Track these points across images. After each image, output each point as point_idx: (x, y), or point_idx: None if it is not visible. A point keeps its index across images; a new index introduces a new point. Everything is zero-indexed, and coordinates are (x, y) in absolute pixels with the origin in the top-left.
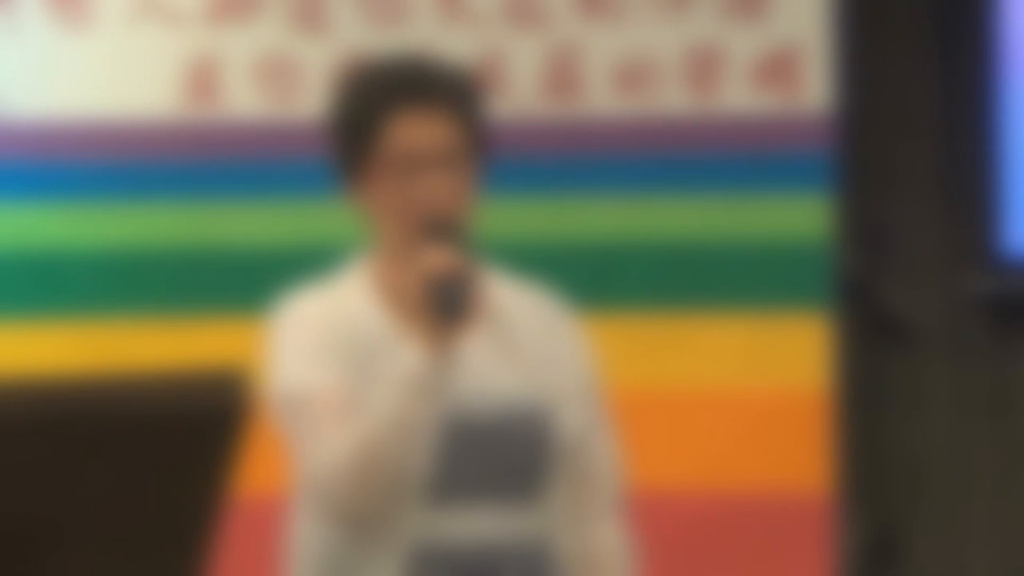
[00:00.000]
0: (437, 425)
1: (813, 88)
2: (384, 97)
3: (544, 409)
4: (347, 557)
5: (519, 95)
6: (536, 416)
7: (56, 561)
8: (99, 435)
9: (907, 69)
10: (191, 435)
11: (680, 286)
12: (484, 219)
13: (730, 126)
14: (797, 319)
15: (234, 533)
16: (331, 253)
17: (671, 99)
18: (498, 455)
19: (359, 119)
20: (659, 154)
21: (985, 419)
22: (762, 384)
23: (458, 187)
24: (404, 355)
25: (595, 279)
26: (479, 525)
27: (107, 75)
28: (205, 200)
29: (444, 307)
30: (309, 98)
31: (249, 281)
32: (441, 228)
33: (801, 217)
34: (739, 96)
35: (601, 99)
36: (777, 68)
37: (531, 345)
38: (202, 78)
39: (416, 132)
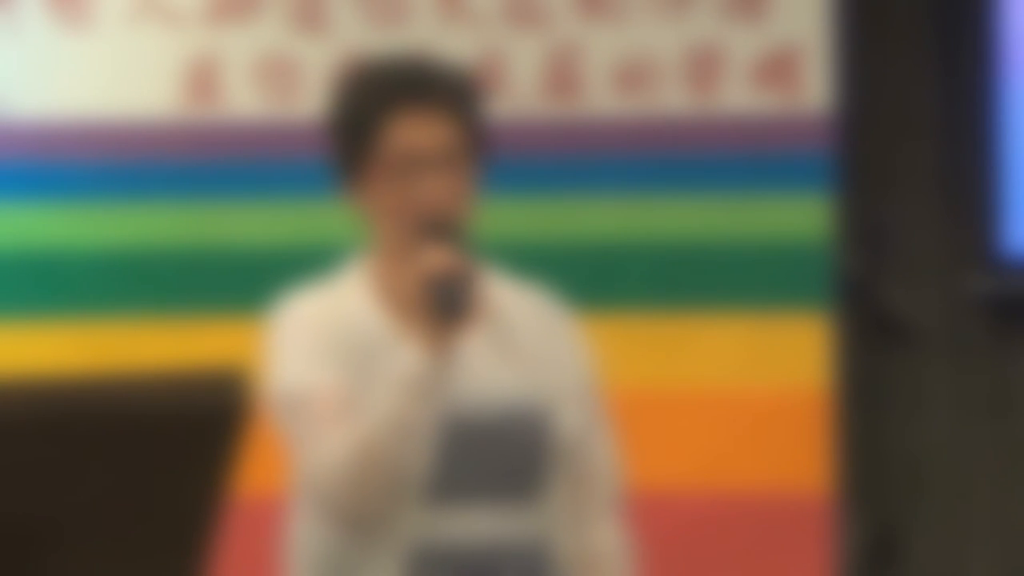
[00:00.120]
0: (436, 425)
1: (813, 88)
2: (383, 97)
3: (543, 409)
4: (346, 557)
5: (519, 95)
6: (535, 416)
7: (56, 561)
8: (99, 435)
9: (907, 69)
10: (191, 435)
11: (680, 286)
12: (484, 219)
13: (730, 126)
14: (797, 319)
15: (234, 533)
16: (330, 253)
17: (671, 99)
18: (497, 455)
19: (358, 119)
20: (659, 154)
21: (985, 419)
22: (762, 384)
23: (457, 187)
24: (403, 355)
25: (595, 279)
26: (478, 525)
27: (107, 75)
28: (205, 200)
29: (443, 307)
30: (309, 98)
31: (249, 281)
32: (440, 228)
33: (801, 217)
34: (739, 96)
35: (601, 99)
36: (777, 68)
37: (530, 345)
38: (202, 78)
39: (415, 132)
